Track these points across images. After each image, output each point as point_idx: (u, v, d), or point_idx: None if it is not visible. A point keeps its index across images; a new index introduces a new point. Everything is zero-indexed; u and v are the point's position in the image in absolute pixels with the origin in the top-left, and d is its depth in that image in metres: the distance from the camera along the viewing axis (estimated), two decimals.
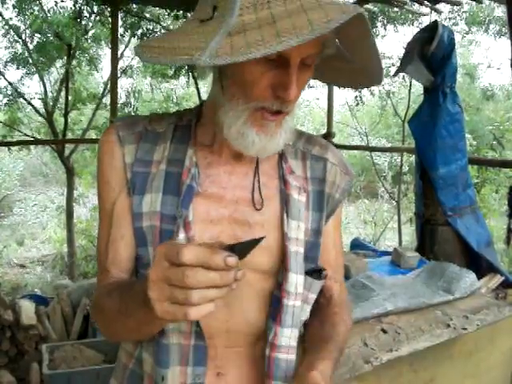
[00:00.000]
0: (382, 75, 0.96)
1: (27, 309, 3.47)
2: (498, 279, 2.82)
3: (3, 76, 7.47)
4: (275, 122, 0.90)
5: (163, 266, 0.70)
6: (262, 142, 0.90)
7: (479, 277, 2.67)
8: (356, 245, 4.10)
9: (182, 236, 0.92)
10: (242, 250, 0.72)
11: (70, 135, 8.25)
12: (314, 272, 1.03)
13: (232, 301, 0.99)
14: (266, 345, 0.99)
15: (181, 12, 5.89)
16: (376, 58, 0.90)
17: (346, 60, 0.98)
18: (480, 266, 2.93)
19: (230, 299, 0.97)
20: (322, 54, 0.91)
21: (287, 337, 1.00)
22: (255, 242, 0.73)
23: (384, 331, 2.08)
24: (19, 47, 7.54)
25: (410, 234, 8.84)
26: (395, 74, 3.91)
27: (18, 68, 7.69)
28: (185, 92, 10.72)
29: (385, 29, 8.45)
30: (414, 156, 3.61)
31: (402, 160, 8.21)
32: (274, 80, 0.85)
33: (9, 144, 7.83)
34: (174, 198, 0.95)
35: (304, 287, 1.01)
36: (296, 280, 0.98)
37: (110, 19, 5.95)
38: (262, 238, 0.74)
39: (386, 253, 3.50)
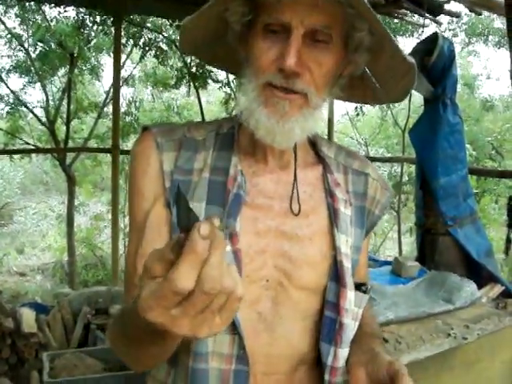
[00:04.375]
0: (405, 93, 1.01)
1: (28, 317, 3.47)
2: (498, 289, 2.82)
3: (5, 84, 7.50)
4: (288, 103, 0.84)
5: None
6: (270, 121, 0.84)
7: (479, 286, 2.68)
8: None
9: (228, 248, 0.85)
10: None
11: (71, 144, 8.27)
12: (359, 286, 0.97)
13: (275, 321, 0.92)
14: (325, 369, 0.91)
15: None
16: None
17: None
18: (480, 275, 2.92)
19: (273, 320, 0.91)
20: (354, 39, 0.87)
21: (344, 358, 0.93)
22: None
23: (385, 340, 2.08)
24: (21, 56, 7.58)
25: (409, 243, 8.85)
26: None
27: (20, 76, 7.73)
28: (186, 101, 10.74)
29: None
30: (413, 166, 3.62)
31: (402, 170, 8.22)
32: (279, 53, 0.83)
33: (11, 152, 7.86)
34: (218, 207, 0.88)
35: (355, 303, 0.95)
36: (350, 297, 0.93)
37: (112, 29, 5.98)
38: None
39: (386, 262, 3.50)
